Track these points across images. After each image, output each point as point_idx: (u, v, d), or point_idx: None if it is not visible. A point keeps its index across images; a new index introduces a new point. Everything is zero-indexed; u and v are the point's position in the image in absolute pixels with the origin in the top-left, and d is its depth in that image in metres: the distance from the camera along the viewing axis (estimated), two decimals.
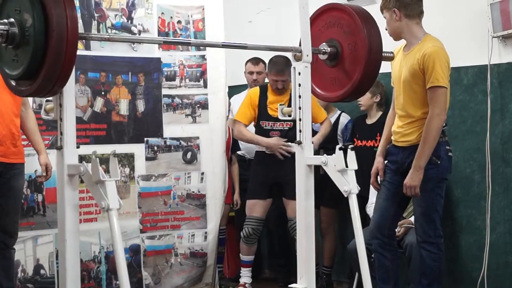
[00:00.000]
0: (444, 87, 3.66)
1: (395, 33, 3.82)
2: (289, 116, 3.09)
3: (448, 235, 4.18)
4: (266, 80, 5.28)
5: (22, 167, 4.02)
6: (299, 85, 3.00)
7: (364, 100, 4.69)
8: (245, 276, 4.91)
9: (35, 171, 4.27)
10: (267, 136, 4.83)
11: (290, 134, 4.71)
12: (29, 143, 4.09)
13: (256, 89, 4.99)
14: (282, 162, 4.72)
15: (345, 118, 5.04)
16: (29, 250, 4.35)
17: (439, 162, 3.73)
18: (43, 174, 4.04)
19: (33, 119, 4.07)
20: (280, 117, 3.16)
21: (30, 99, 4.13)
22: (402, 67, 3.77)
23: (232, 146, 5.37)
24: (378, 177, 3.99)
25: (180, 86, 4.98)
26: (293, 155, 4.65)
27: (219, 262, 5.20)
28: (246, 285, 4.87)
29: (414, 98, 3.73)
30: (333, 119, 5.04)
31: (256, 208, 4.86)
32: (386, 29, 3.78)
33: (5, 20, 2.28)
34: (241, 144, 5.34)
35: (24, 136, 4.06)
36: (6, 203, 3.90)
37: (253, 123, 4.94)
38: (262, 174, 4.92)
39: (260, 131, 4.88)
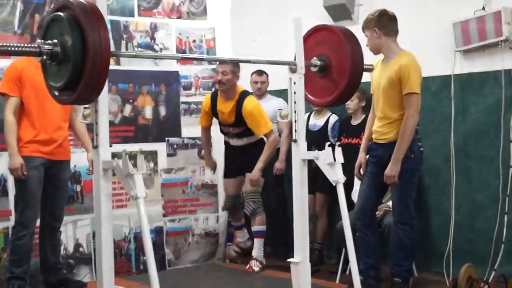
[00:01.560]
0: (417, 94, 3.66)
1: (375, 49, 3.81)
2: (286, 118, 3.07)
3: (419, 217, 4.16)
4: (268, 88, 5.27)
5: (68, 163, 4.03)
6: (295, 92, 2.98)
7: (353, 104, 4.65)
8: (240, 236, 4.94)
9: (74, 166, 4.28)
10: (228, 135, 4.72)
11: (243, 135, 4.61)
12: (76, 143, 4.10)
13: (207, 97, 4.74)
14: (240, 151, 4.68)
15: (333, 118, 5.02)
16: (70, 231, 4.35)
17: (413, 156, 3.72)
18: (90, 168, 4.03)
19: (83, 124, 4.06)
20: (279, 120, 3.12)
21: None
22: (382, 77, 3.75)
23: None
24: (361, 169, 3.98)
25: (195, 94, 4.97)
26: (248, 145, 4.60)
27: (228, 241, 5.18)
28: (238, 240, 4.94)
29: (392, 102, 3.72)
30: (324, 119, 5.01)
31: (229, 188, 4.83)
32: (367, 45, 3.77)
33: (50, 41, 2.27)
34: None
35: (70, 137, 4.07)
36: (55, 193, 3.91)
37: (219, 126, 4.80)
38: (227, 158, 4.85)
39: (223, 132, 4.77)
